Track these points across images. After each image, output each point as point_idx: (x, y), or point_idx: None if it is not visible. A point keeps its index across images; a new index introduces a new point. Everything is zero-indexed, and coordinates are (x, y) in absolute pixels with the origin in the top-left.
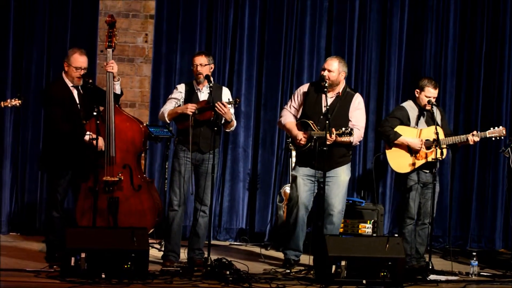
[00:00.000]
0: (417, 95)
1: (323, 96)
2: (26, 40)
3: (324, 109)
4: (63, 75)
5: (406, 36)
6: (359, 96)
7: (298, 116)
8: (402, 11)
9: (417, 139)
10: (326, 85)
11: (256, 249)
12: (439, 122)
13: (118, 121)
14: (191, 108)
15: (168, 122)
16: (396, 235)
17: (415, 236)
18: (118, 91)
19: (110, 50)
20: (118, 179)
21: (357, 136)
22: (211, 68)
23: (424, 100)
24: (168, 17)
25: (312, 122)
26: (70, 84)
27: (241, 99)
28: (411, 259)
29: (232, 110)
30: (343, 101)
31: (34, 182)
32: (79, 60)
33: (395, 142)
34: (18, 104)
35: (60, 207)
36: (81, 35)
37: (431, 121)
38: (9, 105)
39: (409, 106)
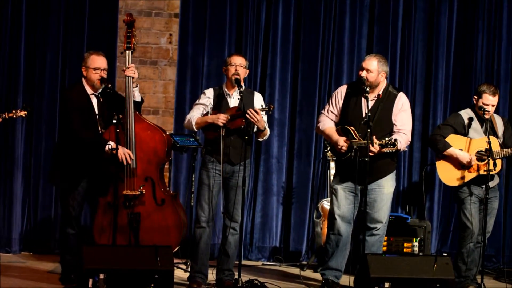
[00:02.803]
0: (474, 102)
1: (363, 100)
2: (39, 42)
3: (364, 115)
4: (83, 81)
5: (455, 36)
6: (403, 96)
7: (338, 121)
8: (450, 9)
9: (467, 153)
10: (367, 89)
11: (291, 270)
12: (500, 133)
13: (138, 129)
14: (222, 119)
15: (196, 131)
16: (445, 254)
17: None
18: (137, 98)
19: (129, 52)
20: (139, 193)
21: (404, 141)
22: (246, 73)
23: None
24: (195, 15)
25: (353, 128)
26: (89, 92)
27: (275, 105)
28: (465, 280)
29: (265, 118)
30: (385, 103)
31: (48, 197)
32: (97, 60)
33: (444, 153)
34: (24, 115)
35: (76, 223)
36: (99, 36)
37: (491, 131)
38: (14, 116)
39: (466, 114)
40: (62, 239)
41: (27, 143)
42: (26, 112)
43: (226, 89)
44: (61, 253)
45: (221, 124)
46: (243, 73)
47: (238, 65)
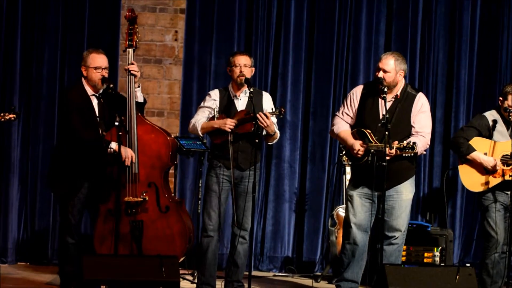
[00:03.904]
0: (499, 104)
1: (381, 101)
2: (36, 39)
3: (382, 117)
4: (83, 81)
5: (479, 33)
6: (423, 97)
7: (353, 124)
8: (473, 4)
9: (491, 158)
10: (385, 90)
11: (304, 281)
12: None
13: (141, 132)
14: (230, 124)
15: (201, 136)
16: (468, 264)
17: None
18: (140, 99)
19: (130, 50)
20: (142, 199)
21: (423, 144)
22: (252, 71)
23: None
24: (202, 11)
25: (369, 131)
26: (90, 92)
27: (287, 106)
28: None
29: (275, 120)
30: (403, 104)
31: (46, 203)
32: (98, 59)
33: (467, 157)
34: (13, 118)
35: (76, 231)
36: (100, 33)
37: None
38: (2, 120)
39: (491, 116)
40: (61, 248)
41: (24, 146)
42: (14, 115)
43: (232, 90)
44: (59, 264)
45: (228, 130)
46: (248, 73)
47: (243, 65)
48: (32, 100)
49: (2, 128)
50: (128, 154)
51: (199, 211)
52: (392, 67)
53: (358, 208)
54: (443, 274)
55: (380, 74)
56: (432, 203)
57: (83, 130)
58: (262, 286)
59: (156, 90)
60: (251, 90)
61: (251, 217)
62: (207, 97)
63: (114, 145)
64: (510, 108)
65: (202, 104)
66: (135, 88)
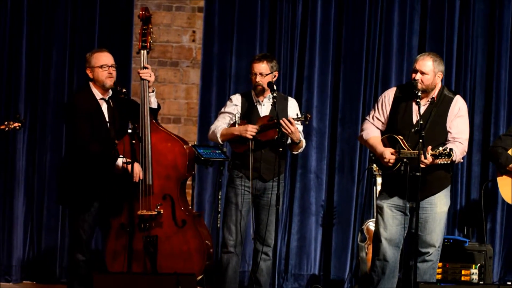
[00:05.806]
0: None
1: (415, 106)
2: (43, 39)
3: (415, 122)
4: (91, 84)
5: None
6: (460, 100)
7: (384, 130)
8: None
9: None
10: (419, 94)
11: None
12: None
13: (155, 140)
14: (251, 131)
15: (222, 143)
16: (509, 283)
17: None
18: (153, 105)
19: (144, 52)
20: (156, 213)
21: (460, 151)
22: (275, 76)
23: None
24: (221, 9)
25: (401, 138)
26: (99, 96)
27: (313, 112)
28: None
29: (300, 128)
30: (439, 108)
31: (54, 217)
32: (102, 57)
33: (507, 168)
34: (17, 127)
35: (86, 248)
36: (112, 33)
37: None
38: (7, 129)
39: None
40: (71, 266)
41: (30, 155)
42: (19, 124)
43: (254, 95)
44: (69, 282)
45: (249, 137)
46: (268, 78)
47: (259, 74)
48: (39, 105)
49: (7, 136)
50: (136, 169)
51: (218, 225)
52: (430, 69)
53: (389, 221)
54: None
55: (418, 76)
56: (470, 217)
57: (91, 142)
58: None
59: (172, 95)
60: (275, 95)
61: (274, 232)
62: (228, 102)
63: (120, 162)
64: None
65: (222, 110)
66: (149, 93)
